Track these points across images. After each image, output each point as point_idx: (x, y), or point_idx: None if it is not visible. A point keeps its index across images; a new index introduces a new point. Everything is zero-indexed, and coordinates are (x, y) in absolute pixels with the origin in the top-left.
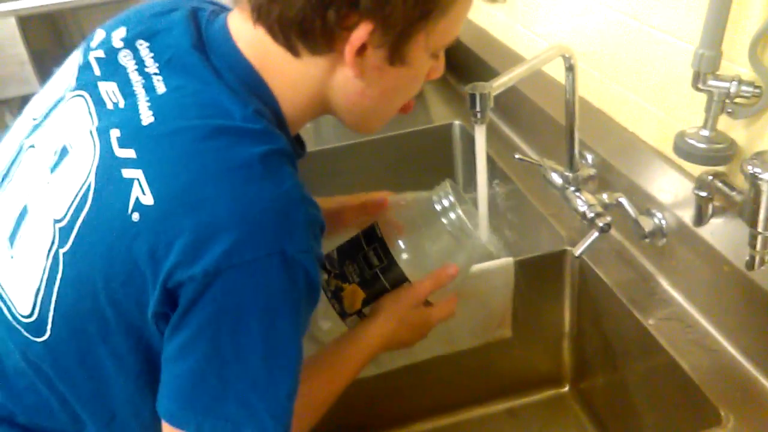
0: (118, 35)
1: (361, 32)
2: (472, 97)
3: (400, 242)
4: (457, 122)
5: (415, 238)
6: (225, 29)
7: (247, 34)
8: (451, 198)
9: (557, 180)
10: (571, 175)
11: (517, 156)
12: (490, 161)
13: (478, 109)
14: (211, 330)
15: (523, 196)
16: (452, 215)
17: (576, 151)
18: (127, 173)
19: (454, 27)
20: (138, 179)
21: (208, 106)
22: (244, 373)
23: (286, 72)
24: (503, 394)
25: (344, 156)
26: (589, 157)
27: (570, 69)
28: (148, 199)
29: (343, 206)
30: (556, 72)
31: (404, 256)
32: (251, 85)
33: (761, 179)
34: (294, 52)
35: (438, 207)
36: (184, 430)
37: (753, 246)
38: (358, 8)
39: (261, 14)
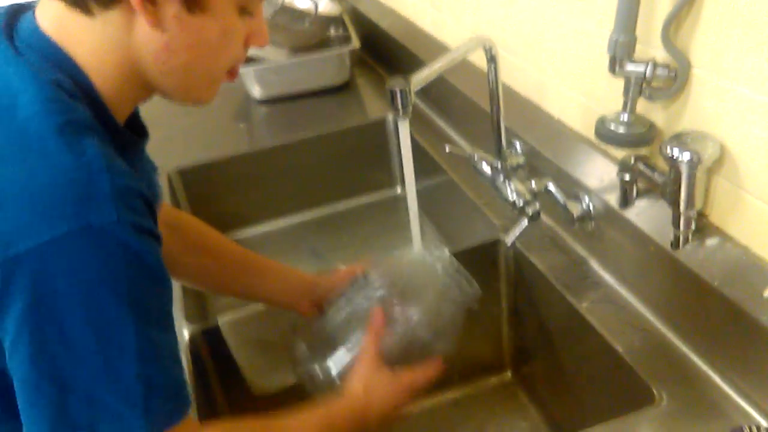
0: None
1: None
2: (392, 93)
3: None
4: (390, 116)
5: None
6: (32, 14)
7: (48, 11)
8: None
9: (487, 170)
10: (500, 164)
11: (447, 148)
12: (423, 153)
13: (399, 104)
14: (29, 326)
15: (457, 186)
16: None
17: (503, 140)
18: None
19: None
20: None
21: (3, 88)
22: (79, 368)
23: (86, 39)
24: (446, 385)
25: (279, 156)
26: (518, 145)
27: (492, 60)
28: None
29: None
30: (483, 62)
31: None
32: (53, 59)
33: (680, 160)
34: (85, 10)
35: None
36: None
37: (677, 226)
38: None
39: None
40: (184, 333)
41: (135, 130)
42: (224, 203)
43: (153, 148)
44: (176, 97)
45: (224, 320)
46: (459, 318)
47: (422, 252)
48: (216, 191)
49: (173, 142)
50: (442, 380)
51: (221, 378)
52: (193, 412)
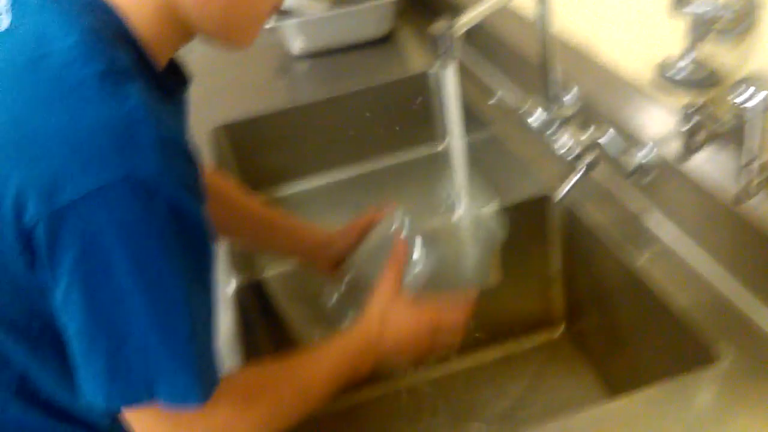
0: None
1: None
2: (435, 38)
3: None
4: (433, 69)
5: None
6: None
7: None
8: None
9: (536, 121)
10: (550, 114)
11: (494, 98)
12: (468, 108)
13: (443, 51)
14: (80, 278)
15: (503, 140)
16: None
17: (554, 90)
18: None
19: None
20: None
21: (38, 37)
22: (133, 320)
23: None
24: (496, 341)
25: (320, 112)
26: (569, 95)
27: (541, 1)
28: None
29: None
30: (531, 7)
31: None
32: (89, 3)
33: (748, 106)
34: None
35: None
36: (96, 401)
37: (742, 176)
38: None
39: None
40: (232, 284)
41: (176, 75)
42: (268, 159)
43: (194, 104)
44: (221, 39)
45: (271, 273)
46: (488, 254)
47: (450, 194)
48: (260, 147)
49: (215, 97)
50: (492, 336)
51: (269, 331)
52: None
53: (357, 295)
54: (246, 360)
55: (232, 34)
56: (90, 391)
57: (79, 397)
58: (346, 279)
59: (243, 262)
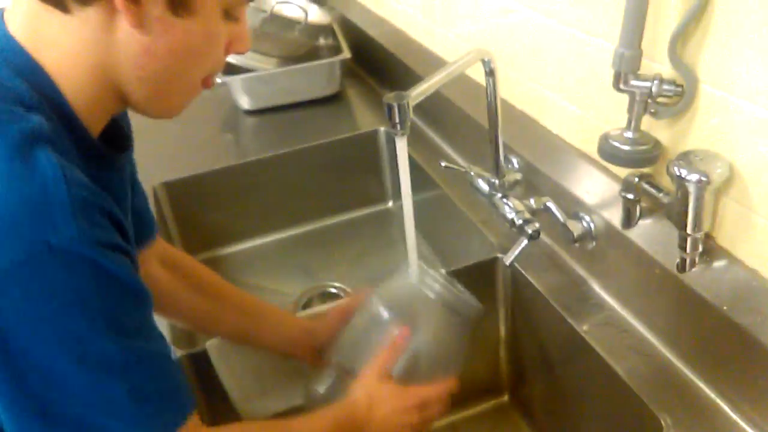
0: None
1: None
2: (390, 108)
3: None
4: (382, 129)
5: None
6: (0, 19)
7: (18, 11)
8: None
9: (484, 187)
10: (497, 181)
11: (443, 164)
12: (418, 169)
13: (397, 120)
14: (1, 363)
15: (453, 203)
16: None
17: (501, 156)
18: None
19: None
20: None
21: None
22: (65, 397)
23: (60, 40)
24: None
25: (268, 168)
26: (515, 161)
27: (490, 73)
28: None
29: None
30: (479, 75)
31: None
32: (16, 66)
33: (688, 180)
34: (62, 7)
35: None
36: None
37: (683, 248)
38: None
39: None
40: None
41: (116, 141)
42: (211, 218)
43: (137, 162)
44: (147, 106)
45: (212, 344)
46: (465, 338)
47: (420, 273)
48: (203, 205)
49: (158, 154)
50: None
51: (209, 403)
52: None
53: (344, 381)
54: None
55: (163, 102)
56: None
57: None
58: (334, 366)
59: (182, 334)
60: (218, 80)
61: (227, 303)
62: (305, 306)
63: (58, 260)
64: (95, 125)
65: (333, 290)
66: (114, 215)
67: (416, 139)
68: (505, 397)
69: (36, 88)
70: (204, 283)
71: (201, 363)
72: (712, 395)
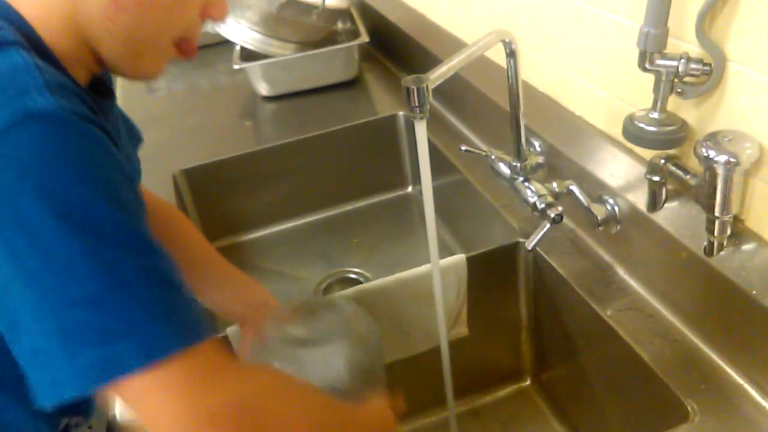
0: None
1: None
2: (409, 91)
3: None
4: (401, 113)
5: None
6: None
7: None
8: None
9: (505, 170)
10: (519, 164)
11: (463, 147)
12: (437, 153)
13: (416, 104)
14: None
15: (473, 187)
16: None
17: (523, 139)
18: None
19: None
20: None
21: None
22: (74, 273)
23: None
24: (464, 394)
25: (287, 154)
26: (537, 144)
27: (511, 54)
28: None
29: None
30: (500, 57)
31: None
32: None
33: (716, 162)
34: None
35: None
36: (59, 394)
37: (710, 231)
38: None
39: None
40: None
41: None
42: (231, 204)
43: (157, 149)
44: (122, 65)
45: (232, 331)
46: (378, 361)
47: (329, 299)
48: (222, 192)
49: (177, 142)
50: (460, 388)
51: None
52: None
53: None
54: None
55: (137, 61)
56: (49, 382)
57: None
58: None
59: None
60: (236, 67)
61: (190, 253)
62: (325, 291)
63: (40, 125)
64: (77, 77)
65: (353, 276)
66: (81, 95)
67: (436, 123)
68: (527, 382)
69: (20, 31)
70: (173, 228)
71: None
72: (740, 380)
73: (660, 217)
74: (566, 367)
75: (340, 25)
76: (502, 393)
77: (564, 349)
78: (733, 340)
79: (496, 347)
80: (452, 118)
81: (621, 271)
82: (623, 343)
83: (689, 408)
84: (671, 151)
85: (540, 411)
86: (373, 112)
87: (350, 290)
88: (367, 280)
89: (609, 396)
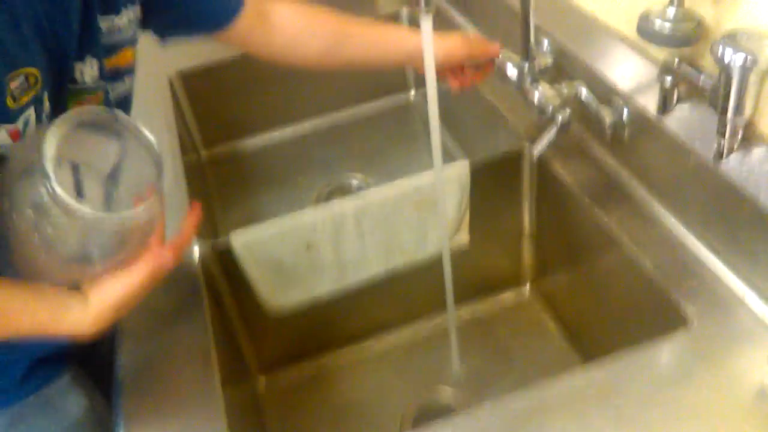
0: None
1: None
2: None
3: None
4: (404, 9)
5: None
6: None
7: None
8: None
9: (512, 71)
10: (527, 65)
11: None
12: None
13: (418, 1)
14: None
15: (477, 91)
16: None
17: (532, 38)
18: None
19: None
20: None
21: None
22: None
23: None
24: (465, 301)
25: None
26: (546, 43)
27: None
28: None
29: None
30: None
31: None
32: None
33: (732, 62)
34: None
35: None
36: None
37: (722, 134)
38: None
39: None
40: (195, 250)
41: None
42: (229, 109)
43: (152, 51)
44: None
45: (236, 238)
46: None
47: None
48: (220, 96)
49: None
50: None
51: (235, 297)
52: None
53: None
54: (214, 330)
55: None
56: None
57: None
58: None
59: (207, 227)
60: None
61: (317, 19)
62: (327, 199)
63: None
64: None
65: (354, 182)
66: None
67: (441, 23)
68: (527, 287)
69: None
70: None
71: (225, 256)
72: (742, 287)
73: (670, 121)
74: (567, 273)
75: None
76: (502, 300)
77: (565, 256)
78: (738, 247)
79: (497, 254)
80: (459, 18)
81: (627, 178)
82: (626, 248)
83: (688, 313)
84: (686, 51)
85: (539, 317)
86: (375, 11)
87: (351, 197)
88: (369, 187)
89: (609, 302)
